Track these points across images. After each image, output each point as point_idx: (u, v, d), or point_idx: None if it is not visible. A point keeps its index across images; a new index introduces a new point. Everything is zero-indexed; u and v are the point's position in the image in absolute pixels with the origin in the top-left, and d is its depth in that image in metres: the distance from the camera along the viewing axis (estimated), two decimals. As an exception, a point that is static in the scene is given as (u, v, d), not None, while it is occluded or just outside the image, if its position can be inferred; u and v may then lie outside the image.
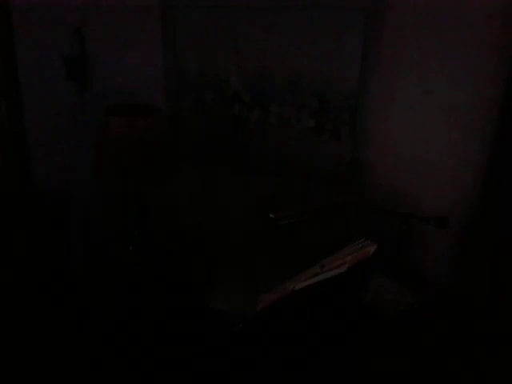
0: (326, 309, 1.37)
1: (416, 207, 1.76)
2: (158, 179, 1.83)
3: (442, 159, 1.75)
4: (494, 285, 1.66)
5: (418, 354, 1.41)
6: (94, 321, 1.80)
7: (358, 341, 1.39)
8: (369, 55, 1.72)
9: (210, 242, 2.01)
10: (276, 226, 1.54)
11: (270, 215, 1.55)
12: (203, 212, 2.18)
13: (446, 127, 1.72)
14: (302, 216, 1.57)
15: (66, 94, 2.31)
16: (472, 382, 1.36)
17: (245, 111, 2.00)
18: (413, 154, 1.79)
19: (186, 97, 2.09)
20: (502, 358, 1.42)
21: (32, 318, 1.96)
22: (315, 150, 1.92)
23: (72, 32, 2.17)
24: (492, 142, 1.65)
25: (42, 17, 2.22)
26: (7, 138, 2.44)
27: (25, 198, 2.36)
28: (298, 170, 1.98)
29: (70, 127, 2.38)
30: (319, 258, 1.27)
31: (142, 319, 1.50)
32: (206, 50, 1.98)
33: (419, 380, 1.34)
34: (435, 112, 1.71)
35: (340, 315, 1.40)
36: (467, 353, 1.43)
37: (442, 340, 1.46)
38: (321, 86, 1.83)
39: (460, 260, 1.80)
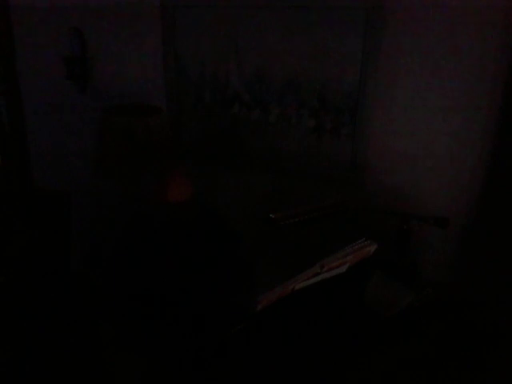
0: (326, 309, 1.37)
1: (416, 207, 1.76)
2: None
3: (442, 159, 1.75)
4: (493, 284, 1.66)
5: (418, 353, 1.41)
6: (94, 321, 1.80)
7: (358, 341, 1.39)
8: (369, 55, 1.72)
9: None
10: (276, 226, 1.54)
11: (270, 215, 1.55)
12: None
13: (445, 127, 1.72)
14: (301, 216, 1.57)
15: (65, 93, 2.31)
16: (472, 382, 1.36)
17: (245, 111, 2.00)
18: (413, 153, 1.79)
19: (186, 97, 2.10)
20: (502, 357, 1.42)
21: (31, 318, 1.96)
22: (315, 150, 1.93)
23: (72, 32, 2.17)
24: (492, 142, 1.65)
25: (41, 17, 2.23)
26: (7, 138, 2.44)
27: (25, 197, 2.36)
28: (298, 170, 1.98)
29: (70, 127, 2.38)
30: (319, 258, 1.26)
31: (141, 319, 1.50)
32: (205, 49, 1.98)
33: (419, 380, 1.34)
34: (435, 112, 1.71)
35: (340, 315, 1.40)
36: (467, 353, 1.43)
37: (442, 340, 1.46)
38: (321, 85, 1.83)
39: (460, 260, 1.80)
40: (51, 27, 2.22)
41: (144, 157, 1.77)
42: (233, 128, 2.05)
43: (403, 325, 1.48)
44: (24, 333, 1.91)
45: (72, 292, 2.19)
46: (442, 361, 1.39)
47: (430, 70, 1.67)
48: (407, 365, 1.37)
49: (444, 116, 1.71)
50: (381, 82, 1.74)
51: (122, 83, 2.18)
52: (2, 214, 2.15)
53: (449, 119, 1.70)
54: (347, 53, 1.75)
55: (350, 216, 1.73)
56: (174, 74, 2.08)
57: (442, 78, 1.67)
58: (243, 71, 1.94)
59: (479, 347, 1.45)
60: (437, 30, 1.62)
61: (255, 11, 1.84)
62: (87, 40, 2.18)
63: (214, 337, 1.39)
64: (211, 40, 1.95)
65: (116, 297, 1.62)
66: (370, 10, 1.67)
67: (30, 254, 2.06)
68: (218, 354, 1.35)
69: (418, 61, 1.68)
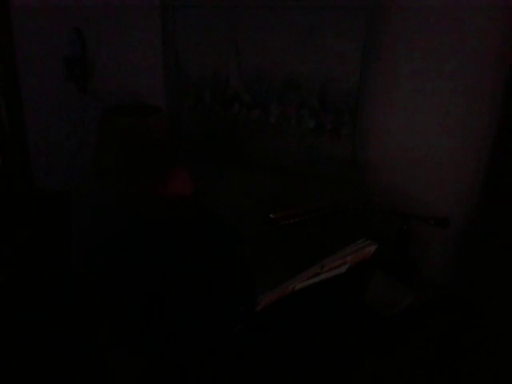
0: (326, 309, 1.37)
1: (416, 207, 1.76)
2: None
3: (441, 159, 1.75)
4: (493, 285, 1.66)
5: (418, 354, 1.41)
6: (94, 321, 1.80)
7: (358, 341, 1.39)
8: (369, 55, 1.72)
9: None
10: (276, 226, 1.54)
11: (270, 215, 1.55)
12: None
13: (445, 127, 1.72)
14: (302, 216, 1.57)
15: (65, 93, 2.31)
16: (472, 382, 1.36)
17: (245, 111, 2.00)
18: (413, 153, 1.79)
19: (186, 97, 2.10)
20: (501, 357, 1.42)
21: (32, 318, 1.96)
22: (315, 150, 1.93)
23: (72, 32, 2.17)
24: (492, 142, 1.65)
25: (41, 17, 2.23)
26: (7, 138, 2.44)
27: (25, 197, 2.36)
28: (298, 170, 1.98)
29: (70, 127, 2.38)
30: (319, 258, 1.27)
31: (141, 319, 1.50)
32: (205, 49, 1.98)
33: (419, 380, 1.34)
34: (435, 112, 1.71)
35: (340, 315, 1.40)
36: (467, 353, 1.43)
37: (442, 340, 1.46)
38: (321, 85, 1.83)
39: (460, 260, 1.80)
40: (51, 27, 2.22)
41: (144, 157, 1.77)
42: (233, 128, 2.05)
43: (403, 325, 1.48)
44: (24, 333, 1.91)
45: (72, 292, 2.19)
46: (442, 361, 1.39)
47: (429, 69, 1.67)
48: (407, 365, 1.37)
49: (444, 116, 1.70)
50: (381, 82, 1.74)
51: (122, 83, 2.18)
52: (2, 213, 2.15)
53: (449, 119, 1.70)
54: (347, 53, 1.75)
55: (350, 216, 1.73)
56: (174, 74, 2.08)
57: (442, 78, 1.67)
58: (243, 71, 1.94)
59: (479, 347, 1.45)
60: (437, 30, 1.62)
61: (255, 11, 1.84)
62: (87, 40, 2.18)
63: (214, 337, 1.39)
64: (211, 40, 1.95)
65: (116, 297, 1.62)
66: (369, 10, 1.67)
67: (30, 253, 2.06)
68: (218, 354, 1.35)
69: (417, 61, 1.68)
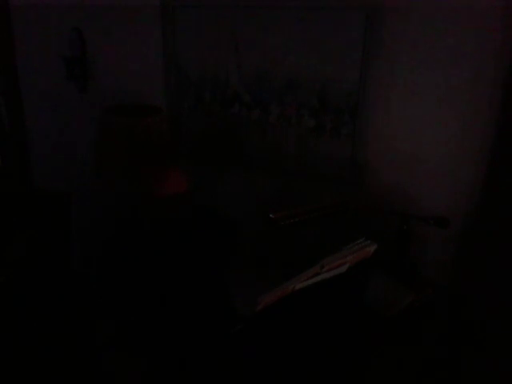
0: (326, 309, 1.37)
1: (416, 207, 1.76)
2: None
3: (442, 159, 1.75)
4: (493, 285, 1.66)
5: (418, 353, 1.41)
6: (95, 321, 1.80)
7: (358, 341, 1.39)
8: (369, 55, 1.72)
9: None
10: (276, 226, 1.54)
11: (270, 215, 1.55)
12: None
13: (445, 127, 1.72)
14: (302, 216, 1.57)
15: (65, 93, 2.31)
16: (472, 382, 1.36)
17: (245, 111, 2.00)
18: (413, 153, 1.79)
19: (186, 97, 2.10)
20: (501, 357, 1.42)
21: (32, 319, 1.96)
22: (315, 150, 1.93)
23: (72, 32, 2.17)
24: (492, 142, 1.65)
25: (41, 17, 2.23)
26: (7, 138, 2.45)
27: (25, 197, 2.36)
28: (298, 170, 1.98)
29: (70, 127, 2.38)
30: (319, 258, 1.26)
31: (142, 319, 1.50)
32: (206, 49, 1.98)
33: (419, 380, 1.34)
34: (435, 112, 1.71)
35: (340, 315, 1.40)
36: (467, 353, 1.43)
37: (442, 340, 1.46)
38: (321, 85, 1.83)
39: (460, 260, 1.80)
40: (51, 27, 2.22)
41: (144, 157, 1.77)
42: (233, 128, 2.05)
43: (403, 325, 1.48)
44: (24, 333, 1.91)
45: (72, 292, 2.19)
46: (442, 361, 1.39)
47: (429, 69, 1.67)
48: (407, 365, 1.37)
49: (444, 116, 1.70)
50: (381, 82, 1.74)
51: (122, 83, 2.18)
52: (2, 213, 2.14)
53: (449, 119, 1.70)
54: (347, 53, 1.75)
55: (350, 216, 1.73)
56: (173, 74, 2.08)
57: (441, 78, 1.67)
58: (243, 71, 1.94)
59: (479, 347, 1.45)
60: (437, 31, 1.62)
61: (255, 11, 1.84)
62: (87, 40, 2.18)
63: (214, 337, 1.39)
64: (211, 40, 1.95)
65: (115, 297, 1.62)
66: (370, 10, 1.67)
67: (30, 253, 2.06)
68: (218, 354, 1.35)
69: (417, 60, 1.68)
